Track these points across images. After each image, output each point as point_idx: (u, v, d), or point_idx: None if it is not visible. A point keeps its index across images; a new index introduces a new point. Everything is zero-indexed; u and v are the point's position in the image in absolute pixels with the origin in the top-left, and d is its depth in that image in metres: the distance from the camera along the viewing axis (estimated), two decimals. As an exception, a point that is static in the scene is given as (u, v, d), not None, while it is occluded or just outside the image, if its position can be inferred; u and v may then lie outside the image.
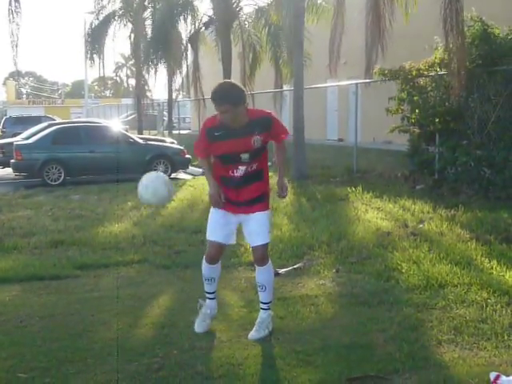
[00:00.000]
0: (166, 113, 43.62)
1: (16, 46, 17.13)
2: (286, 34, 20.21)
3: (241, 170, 5.39)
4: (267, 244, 5.55)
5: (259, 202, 5.48)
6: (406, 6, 16.16)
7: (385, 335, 5.51)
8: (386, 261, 7.97)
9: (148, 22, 34.76)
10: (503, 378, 4.49)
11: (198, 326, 5.73)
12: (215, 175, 5.54)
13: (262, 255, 5.54)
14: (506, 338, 5.38)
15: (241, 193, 5.45)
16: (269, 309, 5.65)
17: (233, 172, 5.41)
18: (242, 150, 5.32)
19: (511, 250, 8.28)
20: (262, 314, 5.63)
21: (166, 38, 29.71)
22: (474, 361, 4.95)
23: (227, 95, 5.15)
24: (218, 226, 5.55)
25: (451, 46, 12.95)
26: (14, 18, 16.65)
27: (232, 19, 24.53)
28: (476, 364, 4.89)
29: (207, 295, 5.89)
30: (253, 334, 5.53)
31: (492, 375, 4.54)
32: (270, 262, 5.60)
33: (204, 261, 5.68)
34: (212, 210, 5.60)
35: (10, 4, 16.66)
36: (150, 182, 5.64)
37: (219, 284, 6.90)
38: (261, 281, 5.61)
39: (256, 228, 5.48)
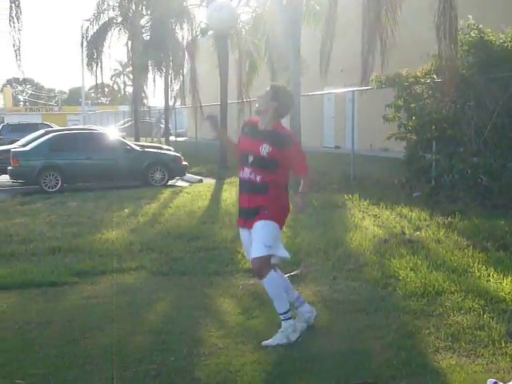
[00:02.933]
0: (163, 120, 43.58)
1: (19, 51, 17.15)
2: (283, 41, 20.21)
3: (246, 172, 5.56)
4: (260, 258, 5.44)
5: (256, 214, 5.52)
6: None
7: (382, 342, 5.51)
8: (383, 268, 7.97)
9: (145, 30, 34.79)
10: (500, 384, 4.50)
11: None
12: None
13: (254, 269, 5.69)
14: (503, 345, 5.39)
15: (245, 199, 5.61)
16: (286, 319, 5.56)
17: (242, 172, 5.63)
18: (250, 152, 5.56)
19: (508, 257, 8.29)
20: (282, 323, 5.59)
21: (163, 46, 29.77)
22: (471, 368, 4.95)
23: (272, 88, 5.66)
24: (245, 246, 5.90)
25: (443, 53, 12.99)
26: (15, 24, 16.69)
27: (229, 27, 24.54)
28: (473, 371, 4.90)
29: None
30: (267, 341, 5.51)
31: (490, 382, 4.55)
32: (268, 276, 5.47)
33: None
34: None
35: (11, 10, 16.70)
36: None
37: (216, 291, 6.92)
38: (268, 294, 5.65)
39: (258, 236, 5.50)
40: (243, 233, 5.75)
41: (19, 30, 16.71)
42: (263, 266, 5.47)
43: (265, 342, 5.49)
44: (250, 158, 5.54)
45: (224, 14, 5.84)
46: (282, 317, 5.56)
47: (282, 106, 5.60)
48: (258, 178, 5.47)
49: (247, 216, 5.60)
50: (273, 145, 5.45)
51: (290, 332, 5.53)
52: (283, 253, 5.66)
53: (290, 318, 5.57)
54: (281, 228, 5.71)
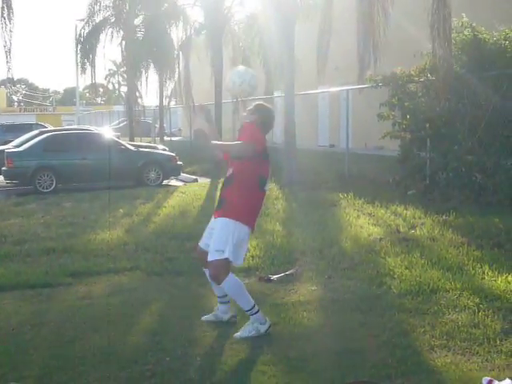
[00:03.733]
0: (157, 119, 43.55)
1: (9, 53, 17.06)
2: (277, 40, 20.20)
3: (229, 170, 5.77)
4: (214, 262, 5.54)
5: (222, 206, 5.65)
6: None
7: (377, 341, 5.51)
8: (377, 266, 7.98)
9: (139, 29, 34.72)
10: (496, 382, 4.50)
11: (205, 317, 6.12)
12: None
13: (211, 273, 5.70)
14: (498, 342, 5.39)
15: (222, 190, 5.85)
16: (253, 313, 5.69)
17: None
18: None
19: (502, 254, 8.31)
20: (250, 317, 5.74)
21: (157, 45, 29.72)
22: (466, 366, 4.96)
23: (255, 105, 5.94)
24: (205, 232, 5.91)
25: (437, 51, 12.99)
26: (6, 24, 16.60)
27: (223, 26, 24.52)
28: (468, 369, 4.90)
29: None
30: (237, 333, 5.71)
31: (485, 380, 4.55)
32: (225, 281, 5.58)
33: None
34: None
35: (3, 10, 16.63)
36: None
37: (211, 291, 6.87)
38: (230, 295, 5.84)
39: (213, 240, 5.60)
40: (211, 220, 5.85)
41: (10, 31, 16.63)
42: (218, 270, 5.58)
43: (236, 335, 5.68)
44: None
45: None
46: (248, 313, 5.71)
47: (260, 118, 5.79)
48: (231, 170, 5.69)
49: (217, 206, 5.78)
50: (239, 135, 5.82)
51: (259, 324, 5.69)
52: (238, 260, 5.70)
53: (257, 312, 5.70)
54: (251, 227, 5.69)
